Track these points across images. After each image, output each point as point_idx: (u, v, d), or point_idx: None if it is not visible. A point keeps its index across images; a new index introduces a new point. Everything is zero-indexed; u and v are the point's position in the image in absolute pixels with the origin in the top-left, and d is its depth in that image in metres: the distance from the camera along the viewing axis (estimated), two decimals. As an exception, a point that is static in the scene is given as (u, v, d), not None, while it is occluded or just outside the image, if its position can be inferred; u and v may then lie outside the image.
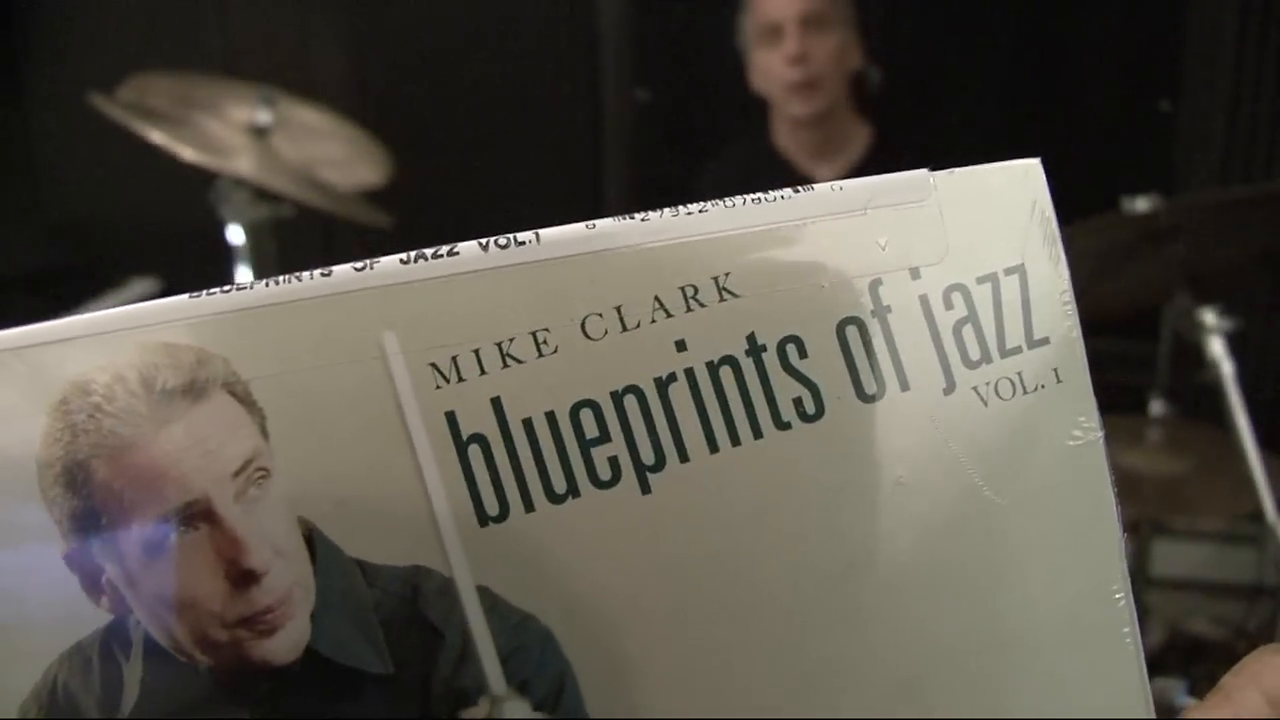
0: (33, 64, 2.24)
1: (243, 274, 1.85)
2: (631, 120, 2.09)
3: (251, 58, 2.16)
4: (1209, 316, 1.29)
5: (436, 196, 1.93)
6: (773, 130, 1.67)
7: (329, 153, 1.98)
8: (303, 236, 1.99)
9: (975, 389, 0.33)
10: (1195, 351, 1.29)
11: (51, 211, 2.31)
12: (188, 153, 1.70)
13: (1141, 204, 1.35)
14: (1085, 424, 0.33)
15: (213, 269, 1.95)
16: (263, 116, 1.88)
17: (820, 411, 0.32)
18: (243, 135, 1.86)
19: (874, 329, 0.32)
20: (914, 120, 1.84)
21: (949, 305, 0.33)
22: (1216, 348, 1.28)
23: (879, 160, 1.65)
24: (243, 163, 1.80)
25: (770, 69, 1.61)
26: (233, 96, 1.92)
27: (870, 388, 0.32)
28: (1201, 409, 1.28)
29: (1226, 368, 1.27)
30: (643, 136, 2.11)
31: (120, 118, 1.69)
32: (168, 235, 2.20)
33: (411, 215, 1.84)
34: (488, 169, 2.12)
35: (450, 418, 0.31)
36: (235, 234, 1.86)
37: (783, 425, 0.32)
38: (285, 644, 0.31)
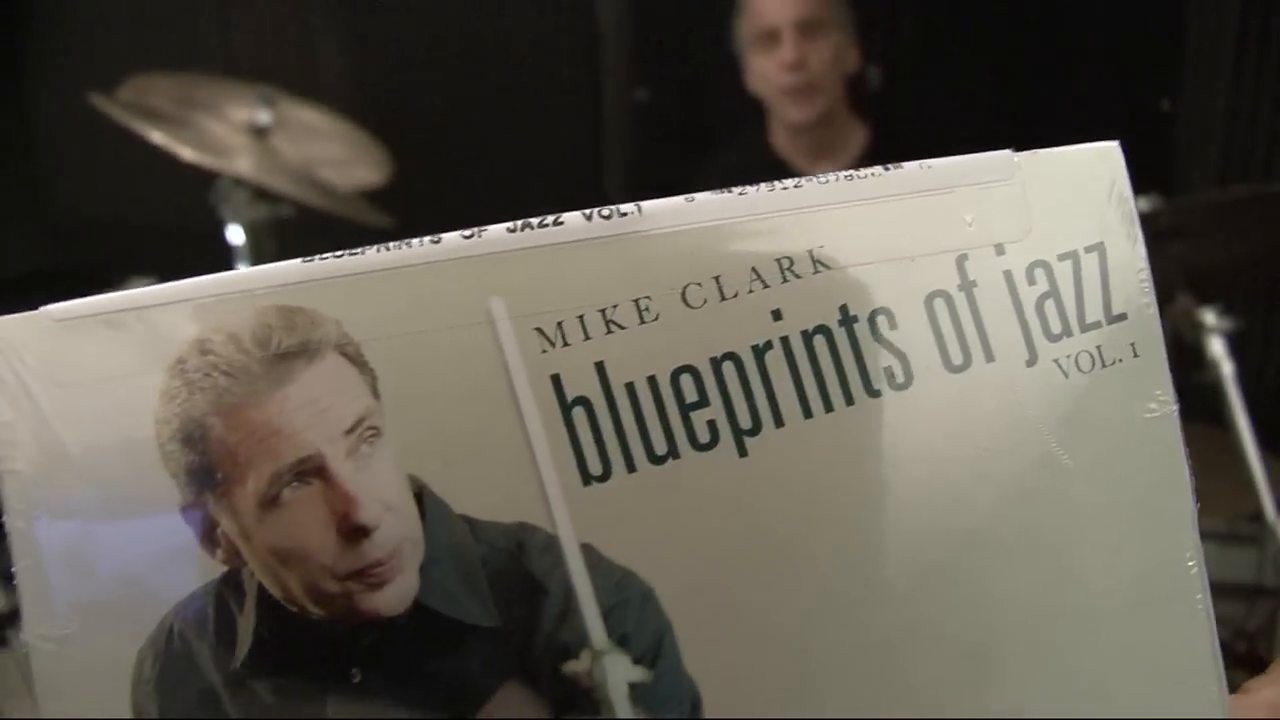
0: (33, 64, 2.23)
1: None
2: (631, 120, 2.10)
3: (251, 58, 2.16)
4: (1209, 316, 1.31)
5: (436, 196, 1.93)
6: (770, 131, 1.68)
7: (329, 153, 1.98)
8: (303, 236, 1.99)
9: (1056, 361, 0.34)
10: (1195, 351, 1.31)
11: (51, 211, 2.30)
12: (188, 153, 1.70)
13: (1141, 204, 1.37)
14: (1161, 397, 0.35)
15: (213, 269, 1.94)
16: (263, 116, 1.88)
17: (909, 380, 0.34)
18: (243, 135, 1.86)
19: (961, 302, 0.34)
20: (911, 120, 1.86)
21: (1032, 281, 0.34)
22: (1216, 348, 1.29)
23: (875, 161, 1.65)
24: (243, 163, 1.80)
25: (767, 74, 1.62)
26: (233, 96, 1.92)
27: (957, 358, 0.34)
28: (1201, 409, 1.30)
29: (1226, 368, 1.28)
30: (642, 136, 2.12)
31: (120, 118, 1.68)
32: (168, 235, 2.20)
33: (411, 215, 1.84)
34: (487, 169, 2.13)
35: (555, 381, 0.32)
36: (235, 234, 1.86)
37: (874, 393, 0.33)
38: (394, 596, 0.32)
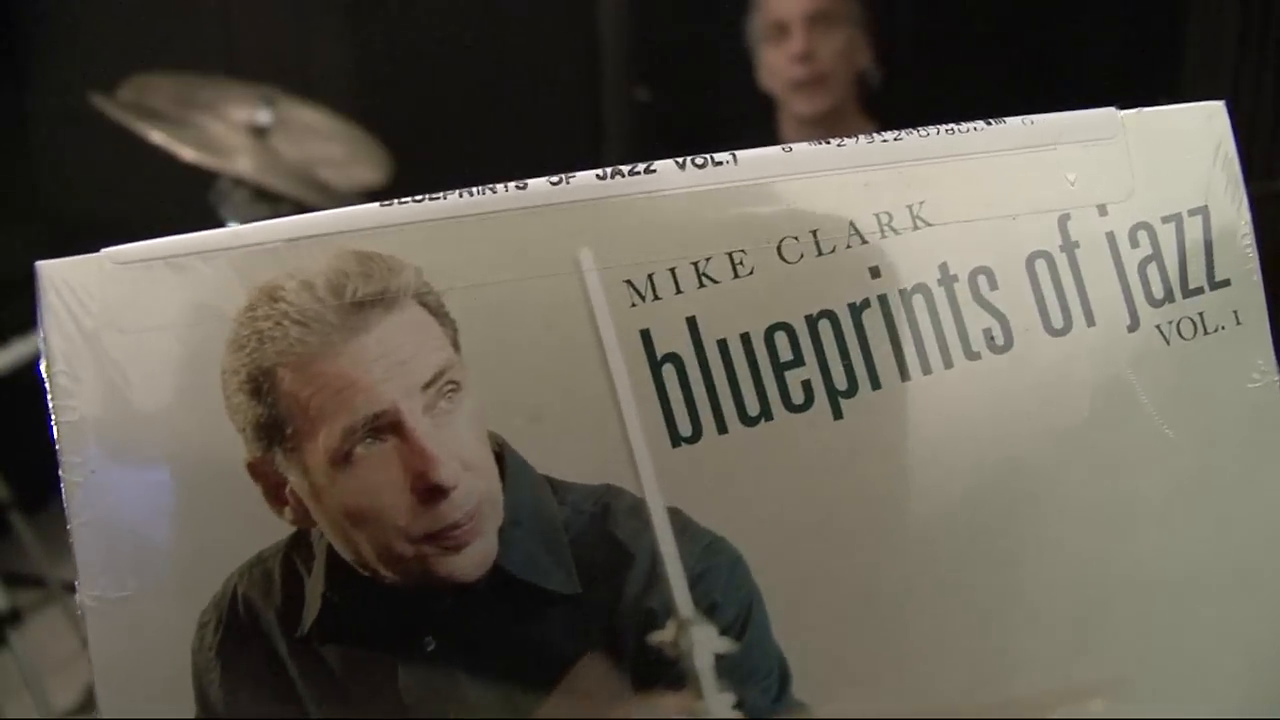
0: (33, 64, 2.21)
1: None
2: (631, 120, 2.08)
3: (251, 58, 2.14)
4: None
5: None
6: (779, 128, 1.67)
7: (329, 153, 1.96)
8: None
9: (1158, 327, 0.33)
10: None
11: (51, 211, 2.27)
12: (188, 153, 1.68)
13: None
14: (1263, 367, 0.33)
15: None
16: (263, 116, 1.86)
17: (1009, 343, 0.32)
18: (243, 135, 1.85)
19: (1062, 263, 0.32)
20: (916, 117, 1.85)
21: (1135, 243, 0.33)
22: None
23: None
24: (243, 163, 1.78)
25: (777, 66, 1.61)
26: (233, 96, 1.90)
27: (1058, 322, 0.32)
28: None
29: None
30: (643, 136, 2.10)
31: (120, 118, 1.67)
32: (168, 235, 2.17)
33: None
34: (487, 169, 2.11)
35: (645, 336, 0.31)
36: (235, 236, 1.84)
37: (972, 355, 0.32)
38: (472, 561, 0.31)
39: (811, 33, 1.58)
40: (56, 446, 0.31)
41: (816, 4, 1.59)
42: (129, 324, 0.30)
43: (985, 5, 1.90)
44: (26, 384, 1.99)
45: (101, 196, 2.22)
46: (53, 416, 0.31)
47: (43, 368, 0.31)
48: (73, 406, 0.30)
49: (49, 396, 0.31)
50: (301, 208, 1.77)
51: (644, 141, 2.10)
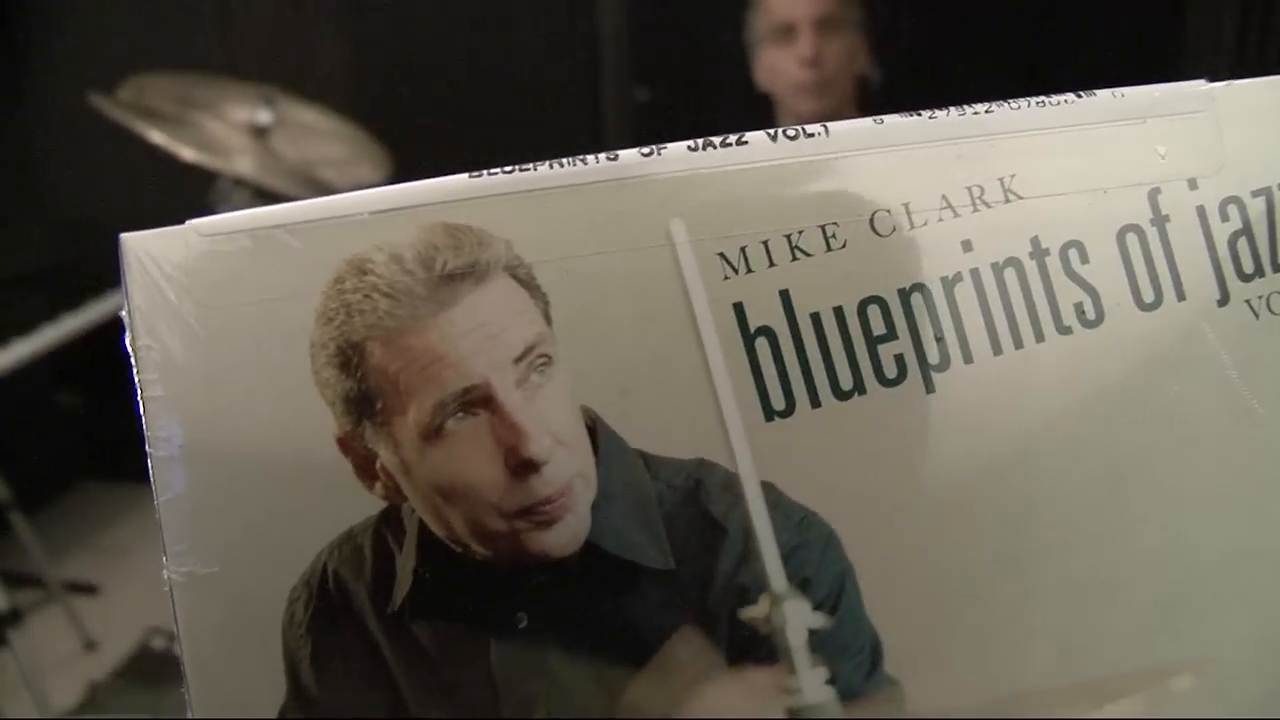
0: (33, 64, 2.20)
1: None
2: (631, 120, 2.08)
3: (251, 58, 2.14)
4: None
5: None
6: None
7: (329, 153, 1.96)
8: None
9: (1248, 302, 0.33)
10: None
11: (51, 211, 2.26)
12: (188, 153, 1.68)
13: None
14: (1351, 342, 0.33)
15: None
16: (263, 116, 1.86)
17: (1100, 317, 0.32)
18: (243, 135, 1.84)
19: (1153, 237, 0.32)
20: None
21: (1225, 217, 0.33)
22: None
23: None
24: (243, 163, 1.78)
25: (780, 68, 1.61)
26: (233, 96, 1.90)
27: (1148, 296, 0.32)
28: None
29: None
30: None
31: (120, 118, 1.66)
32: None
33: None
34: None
35: (738, 309, 0.31)
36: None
37: (1064, 330, 0.32)
38: (564, 536, 0.30)
39: (819, 36, 1.58)
40: (142, 421, 0.30)
41: (824, 8, 1.59)
42: (215, 297, 0.30)
43: (984, 6, 1.90)
44: (27, 384, 1.98)
45: (101, 196, 2.21)
46: (138, 391, 0.30)
47: (127, 341, 0.30)
48: (158, 381, 0.30)
49: (134, 371, 0.30)
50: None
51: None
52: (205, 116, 1.84)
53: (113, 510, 2.33)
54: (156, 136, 1.64)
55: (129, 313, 0.30)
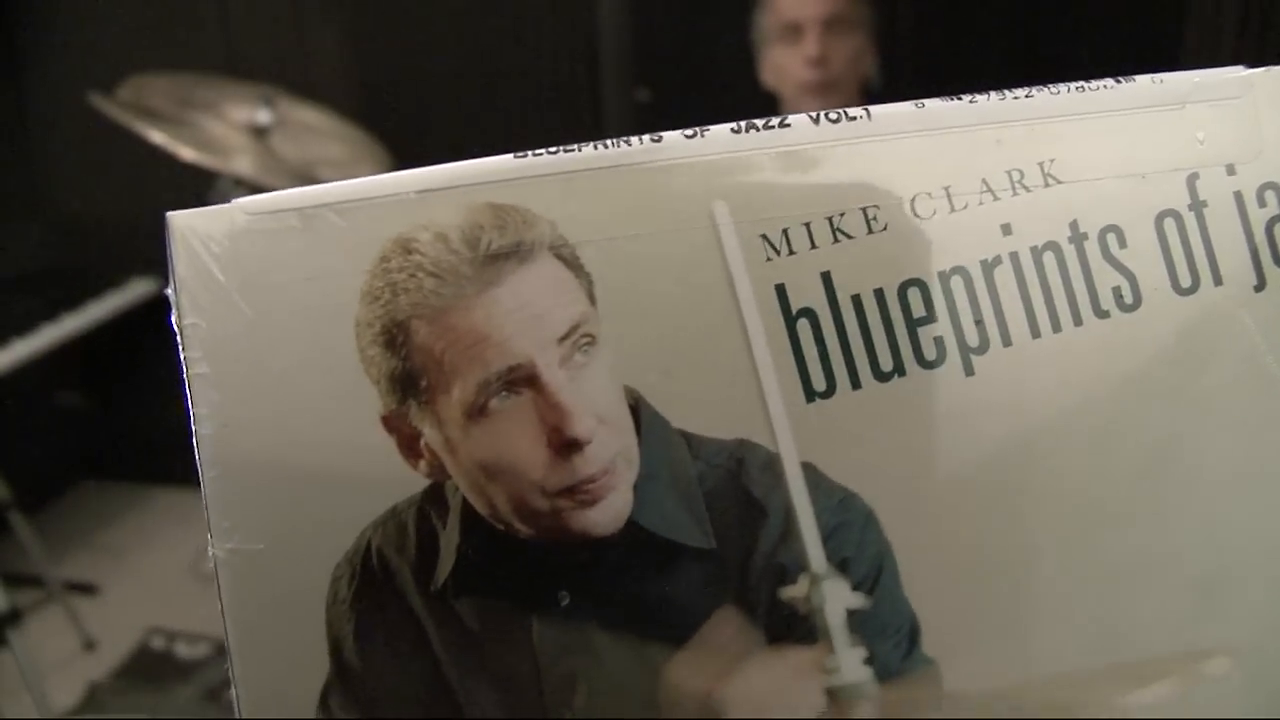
0: (33, 64, 2.20)
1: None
2: (631, 120, 2.08)
3: (251, 58, 2.14)
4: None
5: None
6: None
7: (329, 153, 1.96)
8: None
9: (1284, 288, 0.33)
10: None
11: (51, 211, 2.26)
12: (188, 153, 1.68)
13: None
14: (1385, 328, 0.33)
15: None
16: (263, 116, 1.86)
17: (1138, 302, 0.32)
18: (243, 135, 1.84)
19: (1191, 223, 0.32)
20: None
21: (1262, 203, 0.33)
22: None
23: None
24: (243, 163, 1.78)
25: (786, 67, 1.61)
26: (233, 96, 1.90)
27: (1185, 280, 0.32)
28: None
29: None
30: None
31: (120, 118, 1.66)
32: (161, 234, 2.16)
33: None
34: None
35: (780, 291, 0.31)
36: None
37: (1102, 314, 0.32)
38: (607, 515, 0.30)
39: (826, 37, 1.58)
40: (187, 399, 0.30)
41: (832, 8, 1.59)
42: (261, 275, 0.30)
43: (984, 7, 1.91)
44: (27, 384, 1.98)
45: (101, 196, 2.21)
46: (184, 369, 0.30)
47: (173, 319, 0.30)
48: (204, 358, 0.30)
49: (180, 349, 0.30)
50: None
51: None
52: (205, 116, 1.84)
53: (113, 510, 2.32)
54: (156, 136, 1.64)
55: (174, 291, 0.30)
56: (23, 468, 1.92)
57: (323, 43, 2.15)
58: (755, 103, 1.64)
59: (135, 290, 2.14)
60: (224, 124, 1.84)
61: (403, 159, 1.85)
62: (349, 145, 1.95)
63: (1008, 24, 1.88)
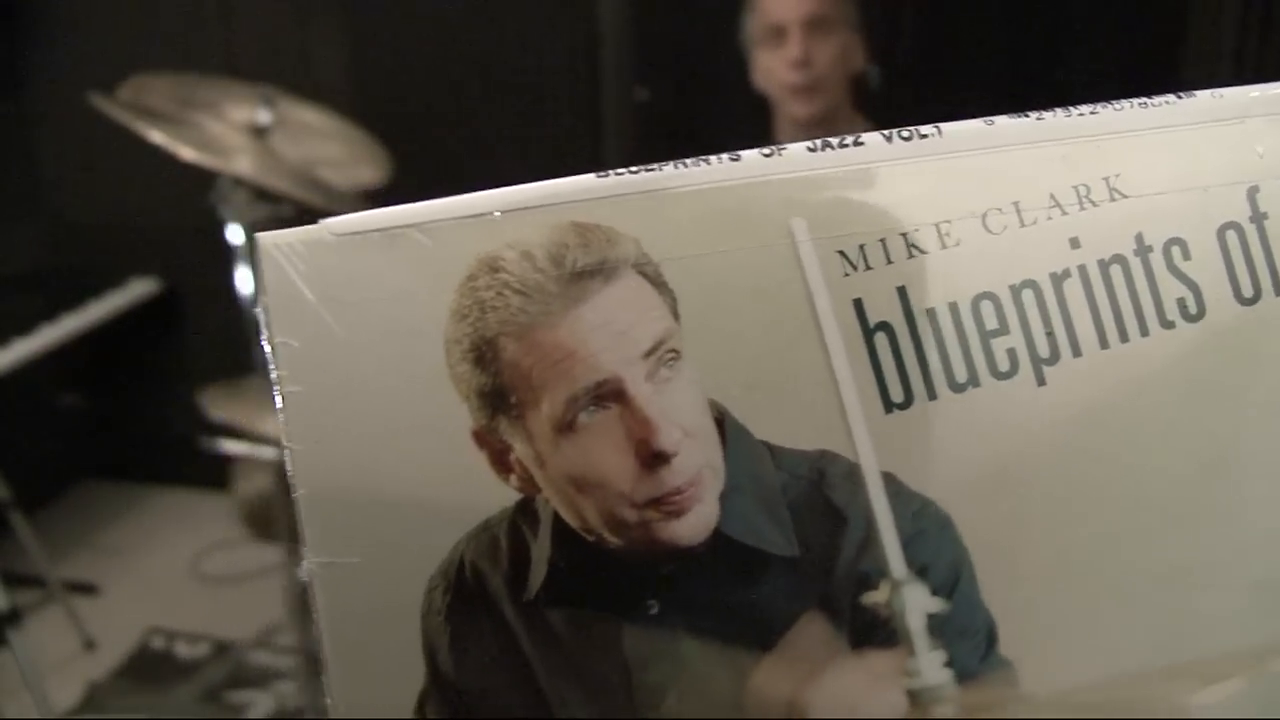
0: (33, 64, 2.19)
1: (243, 274, 1.83)
2: (631, 120, 2.08)
3: (251, 58, 2.14)
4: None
5: (436, 196, 1.92)
6: (774, 128, 1.67)
7: (329, 153, 1.96)
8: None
9: (1341, 296, 0.34)
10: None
11: (51, 211, 2.26)
12: (188, 153, 1.68)
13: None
14: None
15: (213, 269, 1.92)
16: (263, 116, 1.86)
17: (1201, 312, 0.33)
18: (243, 135, 1.84)
19: (1251, 234, 0.33)
20: (913, 117, 1.86)
21: None
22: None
23: None
24: (243, 163, 1.77)
25: (772, 70, 1.61)
26: (233, 96, 1.90)
27: (1247, 290, 0.33)
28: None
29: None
30: (642, 136, 2.10)
31: (120, 118, 1.66)
32: (168, 235, 2.16)
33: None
34: (487, 168, 2.11)
35: (858, 305, 0.32)
36: (235, 234, 1.83)
37: (1167, 324, 0.33)
38: (694, 525, 0.31)
39: (808, 38, 1.58)
40: (280, 416, 0.31)
41: (813, 9, 1.59)
42: (349, 294, 0.31)
43: (983, 6, 1.92)
44: (27, 384, 1.97)
45: (101, 196, 2.20)
46: (275, 387, 0.31)
47: (264, 339, 0.31)
48: (295, 376, 0.31)
49: (271, 367, 0.31)
50: (302, 208, 1.77)
51: (644, 141, 2.10)
52: (205, 116, 1.84)
53: (113, 510, 2.32)
54: (156, 136, 1.64)
55: (263, 310, 0.31)
56: (23, 468, 1.92)
57: (323, 43, 2.15)
58: (753, 103, 1.64)
59: (135, 290, 2.14)
60: (224, 124, 1.84)
61: (403, 159, 1.86)
62: (349, 145, 1.95)
63: (1006, 20, 1.89)
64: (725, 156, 0.32)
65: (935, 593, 0.32)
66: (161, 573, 2.14)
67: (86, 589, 2.09)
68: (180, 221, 1.98)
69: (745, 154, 0.32)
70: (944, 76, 1.89)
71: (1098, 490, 0.33)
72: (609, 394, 0.31)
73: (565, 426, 0.31)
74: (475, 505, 0.31)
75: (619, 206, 0.31)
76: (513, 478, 0.31)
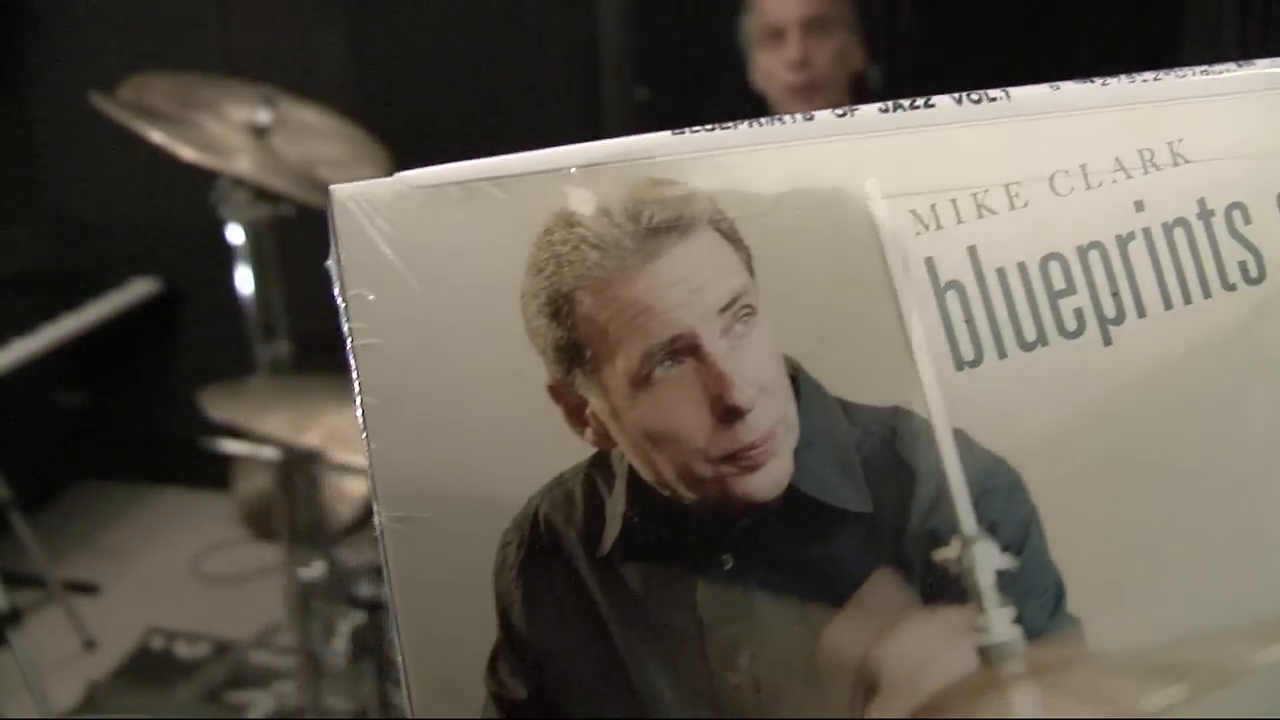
0: (33, 64, 2.19)
1: (243, 274, 1.83)
2: (631, 120, 2.09)
3: (251, 58, 2.14)
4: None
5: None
6: None
7: (329, 153, 1.96)
8: (303, 236, 1.97)
9: (1400, 260, 0.34)
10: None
11: (51, 211, 2.25)
12: (188, 153, 1.68)
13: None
14: None
15: (213, 268, 1.92)
16: (263, 116, 1.86)
17: (1262, 275, 0.34)
18: (243, 135, 1.84)
19: None
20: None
21: None
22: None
23: None
24: (243, 163, 1.77)
25: (771, 70, 1.61)
26: (233, 96, 1.90)
27: None
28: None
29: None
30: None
31: (120, 118, 1.66)
32: (168, 235, 2.16)
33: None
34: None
35: (929, 264, 0.32)
36: (235, 234, 1.83)
37: (1229, 286, 0.33)
38: (768, 481, 0.31)
39: (807, 38, 1.58)
40: (352, 371, 0.31)
41: (811, 9, 1.59)
42: (425, 247, 0.31)
43: (982, 5, 1.93)
44: (26, 384, 1.97)
45: (101, 196, 2.20)
46: (349, 340, 0.31)
47: (336, 292, 0.31)
48: (371, 329, 0.31)
49: (344, 320, 0.31)
50: (302, 207, 1.77)
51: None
52: (205, 116, 1.84)
53: (113, 510, 2.32)
54: (156, 136, 1.64)
55: (337, 263, 0.31)
56: (23, 468, 1.92)
57: (323, 43, 2.15)
58: (753, 101, 1.65)
59: (135, 290, 2.14)
60: (224, 124, 1.84)
61: (403, 159, 1.86)
62: (349, 145, 1.95)
63: (1007, 21, 1.90)
64: (799, 116, 0.32)
65: (1005, 550, 0.32)
66: (161, 573, 2.14)
67: (86, 589, 2.08)
68: (180, 221, 1.98)
69: (819, 114, 0.32)
70: (943, 76, 1.89)
71: (1163, 450, 0.33)
72: (684, 349, 0.31)
73: (641, 381, 0.31)
74: (550, 460, 0.31)
75: (695, 164, 0.32)
76: (588, 431, 0.31)
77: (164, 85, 1.90)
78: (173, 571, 2.13)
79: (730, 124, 0.32)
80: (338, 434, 1.52)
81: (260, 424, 1.58)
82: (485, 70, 2.12)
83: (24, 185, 2.23)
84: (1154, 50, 1.81)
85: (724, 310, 0.31)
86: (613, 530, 0.31)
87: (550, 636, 0.31)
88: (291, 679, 1.85)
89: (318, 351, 2.02)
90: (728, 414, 0.31)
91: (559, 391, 0.31)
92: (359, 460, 1.57)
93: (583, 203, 0.31)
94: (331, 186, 0.32)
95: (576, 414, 0.31)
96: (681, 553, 0.31)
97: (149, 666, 1.95)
